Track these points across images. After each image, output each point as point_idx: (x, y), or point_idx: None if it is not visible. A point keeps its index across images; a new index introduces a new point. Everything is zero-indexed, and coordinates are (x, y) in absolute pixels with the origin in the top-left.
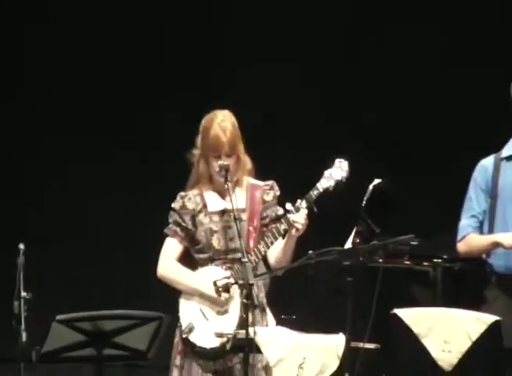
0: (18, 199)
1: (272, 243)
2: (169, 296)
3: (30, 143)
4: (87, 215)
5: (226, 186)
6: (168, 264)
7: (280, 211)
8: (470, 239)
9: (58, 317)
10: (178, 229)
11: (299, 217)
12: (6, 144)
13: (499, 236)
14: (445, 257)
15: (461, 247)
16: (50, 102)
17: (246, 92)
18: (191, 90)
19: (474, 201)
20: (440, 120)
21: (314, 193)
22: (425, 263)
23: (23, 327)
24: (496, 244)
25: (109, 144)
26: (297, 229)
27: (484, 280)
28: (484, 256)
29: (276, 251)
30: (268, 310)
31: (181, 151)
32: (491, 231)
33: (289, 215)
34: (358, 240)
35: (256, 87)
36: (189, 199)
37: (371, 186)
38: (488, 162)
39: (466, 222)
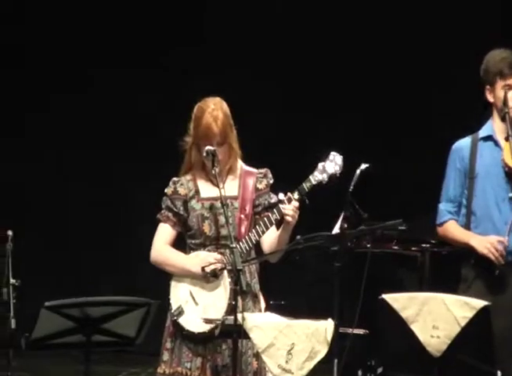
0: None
1: (263, 232)
2: (161, 282)
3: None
4: (71, 201)
5: (213, 171)
6: (160, 248)
7: (273, 199)
8: (448, 227)
9: (46, 304)
10: (170, 215)
11: (288, 209)
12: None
13: (473, 240)
14: (432, 241)
15: (440, 232)
16: None
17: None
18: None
19: (451, 185)
20: (420, 105)
21: (306, 185)
22: (413, 248)
23: (11, 314)
24: (469, 246)
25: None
26: (288, 222)
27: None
28: None
29: (270, 241)
30: (261, 297)
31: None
32: (469, 208)
33: (281, 206)
34: (345, 226)
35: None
36: (181, 184)
37: (358, 171)
38: (464, 143)
39: (444, 207)
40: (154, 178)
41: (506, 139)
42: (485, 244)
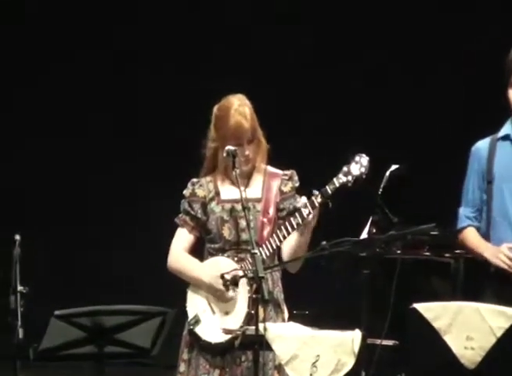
0: (14, 189)
1: (284, 237)
2: (180, 289)
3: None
4: (86, 204)
5: (234, 172)
6: (176, 255)
7: (299, 204)
8: (466, 236)
9: (56, 313)
10: (187, 218)
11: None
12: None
13: (486, 252)
14: None
15: (459, 238)
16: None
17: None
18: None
19: (470, 189)
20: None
21: (330, 187)
22: (446, 254)
23: (19, 322)
24: (484, 258)
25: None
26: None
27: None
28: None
29: (289, 247)
30: (284, 307)
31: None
32: (488, 213)
33: (303, 210)
34: (374, 230)
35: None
36: (200, 186)
37: (388, 173)
38: (482, 144)
39: (463, 213)
40: (174, 180)
41: None
42: (496, 253)
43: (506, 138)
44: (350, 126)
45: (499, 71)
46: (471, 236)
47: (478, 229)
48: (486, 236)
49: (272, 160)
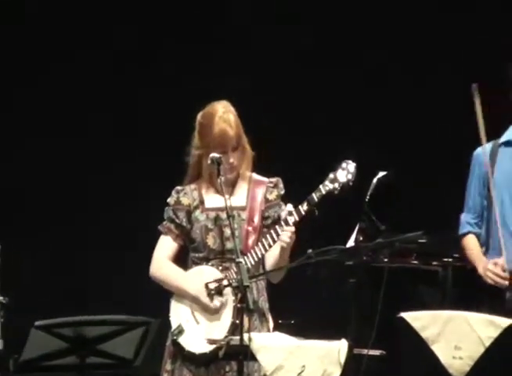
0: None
1: (269, 245)
2: (164, 299)
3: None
4: (69, 214)
5: (219, 180)
6: (159, 263)
7: (284, 212)
8: (466, 243)
9: (37, 323)
10: (172, 226)
11: (285, 235)
12: None
13: (479, 266)
14: (456, 255)
15: (461, 243)
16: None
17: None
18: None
19: (471, 195)
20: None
21: (316, 195)
22: (434, 262)
23: None
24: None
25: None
26: (282, 247)
27: None
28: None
29: (273, 257)
30: (269, 316)
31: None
32: (489, 219)
33: (289, 218)
34: (361, 238)
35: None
36: (184, 194)
37: (375, 180)
38: (483, 149)
39: (464, 219)
40: (174, 180)
41: None
42: (484, 270)
43: (508, 143)
44: (350, 126)
45: (499, 71)
46: (470, 245)
47: (479, 235)
48: (486, 243)
49: (272, 161)
